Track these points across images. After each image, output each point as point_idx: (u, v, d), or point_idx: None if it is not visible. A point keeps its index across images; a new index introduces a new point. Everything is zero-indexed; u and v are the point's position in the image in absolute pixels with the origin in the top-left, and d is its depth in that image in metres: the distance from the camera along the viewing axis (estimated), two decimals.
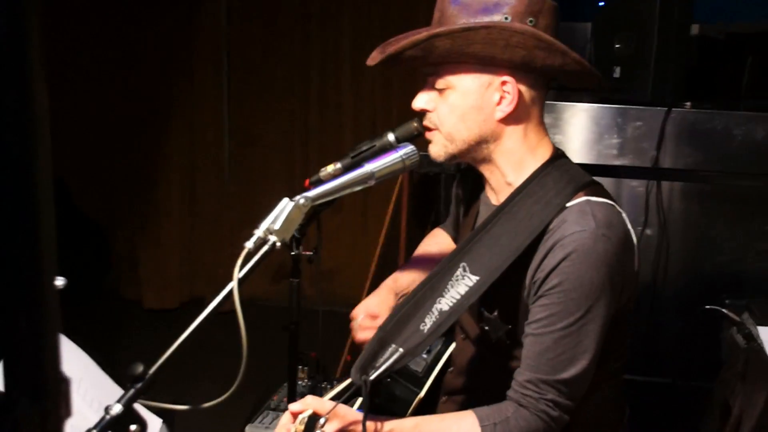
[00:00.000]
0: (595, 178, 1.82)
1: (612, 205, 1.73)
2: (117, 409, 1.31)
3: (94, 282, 5.69)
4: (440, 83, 1.77)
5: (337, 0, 5.37)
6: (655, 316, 2.89)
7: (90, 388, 1.61)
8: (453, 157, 1.83)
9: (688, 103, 2.93)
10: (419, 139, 1.90)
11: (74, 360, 1.65)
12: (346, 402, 1.78)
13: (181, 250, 5.77)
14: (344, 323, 2.17)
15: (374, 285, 3.30)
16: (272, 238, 1.52)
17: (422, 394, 1.95)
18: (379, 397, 1.76)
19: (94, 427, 1.28)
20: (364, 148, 1.87)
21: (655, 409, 2.69)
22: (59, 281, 0.76)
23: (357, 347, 2.11)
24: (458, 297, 1.73)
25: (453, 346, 2.06)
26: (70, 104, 5.27)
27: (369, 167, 1.70)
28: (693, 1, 2.92)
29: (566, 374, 1.68)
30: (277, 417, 2.72)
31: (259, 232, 1.52)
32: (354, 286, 5.21)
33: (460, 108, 1.76)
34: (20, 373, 0.72)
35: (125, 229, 5.73)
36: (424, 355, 2.00)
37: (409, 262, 2.28)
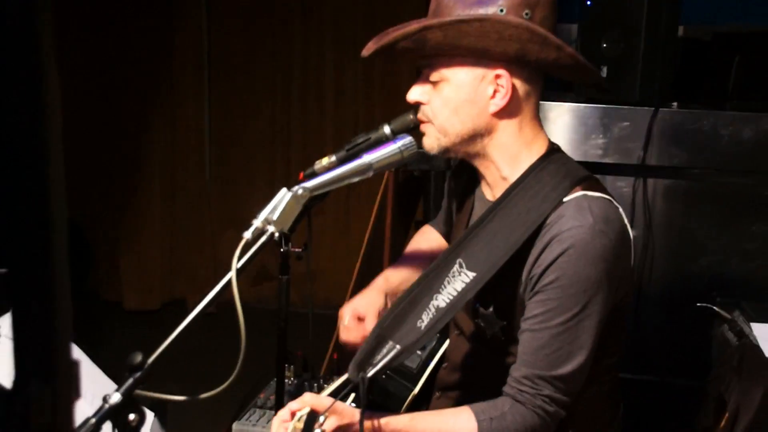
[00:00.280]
0: None
1: (609, 200, 1.73)
2: (116, 398, 1.29)
3: (74, 283, 5.62)
4: (434, 76, 1.77)
5: None
6: (640, 315, 2.89)
7: (83, 379, 1.58)
8: (446, 151, 1.82)
9: (675, 104, 2.94)
10: (413, 133, 1.88)
11: None
12: (339, 398, 1.77)
13: (162, 252, 5.75)
14: (327, 324, 2.16)
15: (358, 286, 3.29)
16: (270, 229, 1.50)
17: (416, 390, 1.94)
18: (373, 393, 1.75)
19: (93, 416, 1.26)
20: (360, 140, 1.85)
21: (644, 407, 2.69)
22: None
23: (343, 345, 2.10)
24: (455, 293, 1.72)
25: (447, 342, 2.05)
26: None
27: (367, 158, 1.69)
28: (681, 2, 2.94)
29: (563, 370, 1.68)
30: (264, 415, 2.70)
31: (257, 222, 1.50)
32: (336, 289, 5.19)
33: (453, 101, 1.76)
34: (31, 355, 0.71)
35: (106, 230, 5.68)
36: (419, 352, 1.99)
37: (400, 260, 2.26)
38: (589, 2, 3.08)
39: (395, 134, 1.84)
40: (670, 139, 2.86)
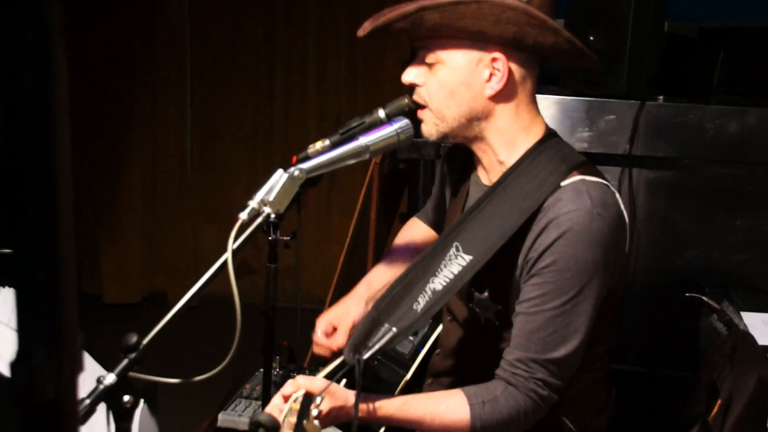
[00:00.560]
0: None
1: (606, 185, 1.73)
2: (110, 379, 1.27)
3: None
4: (430, 57, 1.75)
5: None
6: (626, 306, 2.90)
7: None
8: (445, 136, 1.81)
9: (661, 97, 2.95)
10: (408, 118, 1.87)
11: None
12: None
13: (143, 245, 5.70)
14: (309, 318, 2.15)
15: (342, 280, 3.27)
16: (266, 210, 1.49)
17: (408, 376, 1.94)
18: (365, 379, 1.74)
19: (87, 397, 1.24)
20: (354, 124, 1.84)
21: (632, 398, 2.70)
22: None
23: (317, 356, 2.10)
24: (451, 276, 1.72)
25: (440, 328, 2.04)
26: None
27: (364, 140, 1.68)
28: None
29: (557, 353, 1.67)
30: (250, 405, 2.69)
31: (253, 203, 1.49)
32: (318, 282, 5.19)
33: (449, 84, 1.75)
34: (36, 325, 0.70)
35: (86, 223, 5.63)
36: (411, 338, 1.98)
37: (385, 259, 2.24)
38: None
39: (390, 118, 1.83)
40: (656, 132, 2.87)
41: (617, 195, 1.75)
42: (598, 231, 1.64)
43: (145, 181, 5.65)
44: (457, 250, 1.74)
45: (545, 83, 3.06)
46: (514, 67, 1.74)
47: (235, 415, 2.64)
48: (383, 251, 3.46)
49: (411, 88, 1.82)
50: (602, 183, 1.72)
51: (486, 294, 1.81)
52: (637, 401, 2.71)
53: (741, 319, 2.20)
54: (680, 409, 2.11)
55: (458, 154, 1.99)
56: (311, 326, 2.12)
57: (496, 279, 1.77)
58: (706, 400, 1.96)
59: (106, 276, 5.59)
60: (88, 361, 1.68)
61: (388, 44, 5.16)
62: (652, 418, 2.62)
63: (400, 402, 1.71)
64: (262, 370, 2.50)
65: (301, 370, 2.73)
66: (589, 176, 1.71)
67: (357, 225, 3.77)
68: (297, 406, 1.46)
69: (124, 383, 1.28)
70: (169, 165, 5.63)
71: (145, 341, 1.32)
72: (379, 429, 1.85)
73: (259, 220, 1.48)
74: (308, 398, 1.48)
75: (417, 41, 1.79)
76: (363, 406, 1.64)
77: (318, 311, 2.88)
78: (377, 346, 1.71)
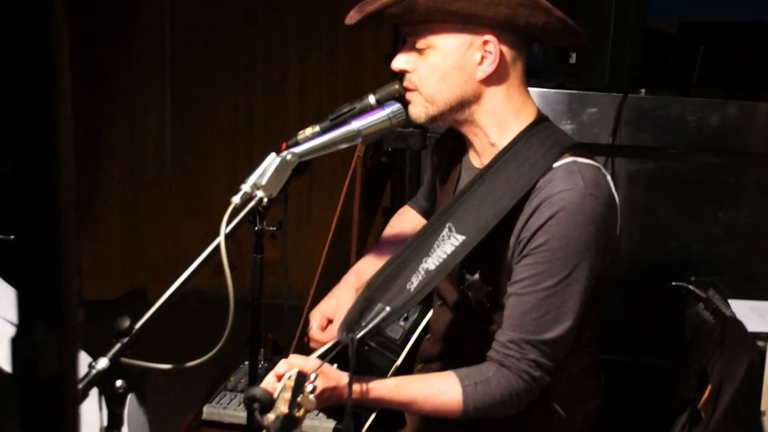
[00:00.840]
0: None
1: (598, 167, 1.74)
2: (103, 363, 1.25)
3: None
4: (421, 43, 1.75)
5: None
6: (611, 295, 2.90)
7: None
8: (434, 119, 1.80)
9: (643, 90, 2.96)
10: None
11: None
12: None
13: (122, 241, 5.66)
14: (292, 313, 2.14)
15: (324, 275, 3.25)
16: (259, 194, 1.48)
17: (399, 362, 1.93)
18: (356, 364, 1.73)
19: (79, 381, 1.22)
20: (345, 110, 1.83)
21: (618, 387, 2.70)
22: None
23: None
24: (444, 256, 1.72)
25: (430, 314, 2.03)
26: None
27: (356, 124, 1.67)
28: None
29: (549, 334, 1.68)
30: (235, 398, 2.68)
31: (246, 187, 1.48)
32: (300, 278, 5.15)
33: (441, 68, 1.74)
34: (36, 301, 0.69)
35: None
36: (402, 323, 1.98)
37: (375, 248, 2.23)
38: None
39: (380, 104, 1.82)
40: (638, 124, 2.89)
41: (609, 177, 1.75)
42: (590, 211, 1.64)
43: (124, 176, 5.60)
44: (450, 230, 1.74)
45: (528, 76, 3.07)
46: (505, 49, 1.74)
47: (220, 407, 2.63)
48: (366, 245, 3.46)
49: (401, 75, 1.81)
50: (594, 165, 1.73)
51: (477, 275, 1.81)
52: (624, 391, 2.72)
53: (728, 307, 2.21)
54: (669, 396, 2.12)
55: (448, 141, 1.99)
56: (294, 321, 2.11)
57: (487, 260, 1.77)
58: (696, 387, 1.97)
59: (85, 272, 5.51)
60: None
61: (368, 39, 5.16)
62: (639, 407, 2.63)
63: (392, 384, 1.70)
64: (247, 362, 2.49)
65: None
66: (582, 158, 1.72)
67: (340, 219, 3.75)
68: (291, 383, 1.45)
69: (116, 368, 1.26)
70: (149, 161, 5.60)
71: (138, 325, 1.30)
72: (370, 413, 1.84)
73: (252, 203, 1.47)
74: (302, 376, 1.46)
75: (406, 27, 1.79)
76: (356, 388, 1.63)
77: (299, 307, 2.87)
78: (371, 325, 1.70)
